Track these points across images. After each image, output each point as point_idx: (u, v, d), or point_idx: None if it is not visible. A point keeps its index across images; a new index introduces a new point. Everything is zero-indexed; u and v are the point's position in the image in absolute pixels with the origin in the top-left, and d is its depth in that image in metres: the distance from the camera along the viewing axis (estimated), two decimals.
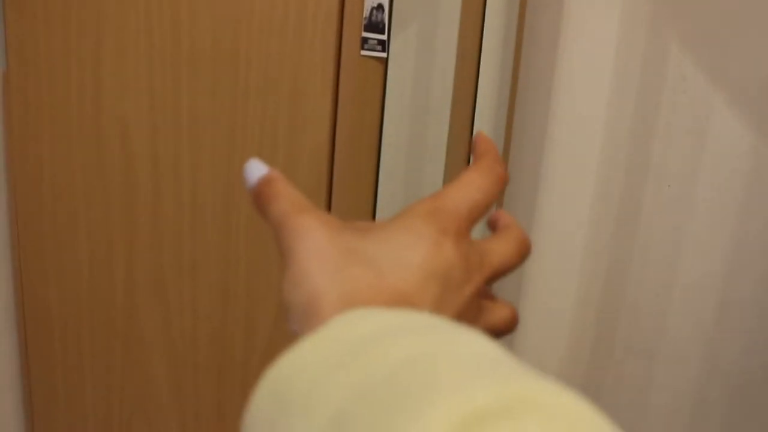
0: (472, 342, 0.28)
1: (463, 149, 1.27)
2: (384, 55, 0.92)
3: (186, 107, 0.97)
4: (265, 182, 0.38)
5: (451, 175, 1.24)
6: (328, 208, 0.93)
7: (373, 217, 1.00)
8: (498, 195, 0.41)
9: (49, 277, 1.13)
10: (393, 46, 0.95)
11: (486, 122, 1.38)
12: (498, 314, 0.38)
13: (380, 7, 0.89)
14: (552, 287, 1.72)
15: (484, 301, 0.38)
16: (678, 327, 1.62)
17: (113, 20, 0.98)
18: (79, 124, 1.04)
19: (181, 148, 0.99)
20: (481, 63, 1.28)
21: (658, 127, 1.54)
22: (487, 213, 0.41)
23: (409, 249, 0.34)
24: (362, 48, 0.88)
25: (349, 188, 0.93)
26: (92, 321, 1.12)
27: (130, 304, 1.08)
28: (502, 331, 0.38)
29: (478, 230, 0.42)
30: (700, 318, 1.63)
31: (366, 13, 0.87)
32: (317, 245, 0.33)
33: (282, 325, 1.00)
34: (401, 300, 0.32)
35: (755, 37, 1.49)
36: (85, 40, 1.00)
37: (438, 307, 0.33)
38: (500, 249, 0.39)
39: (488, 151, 0.40)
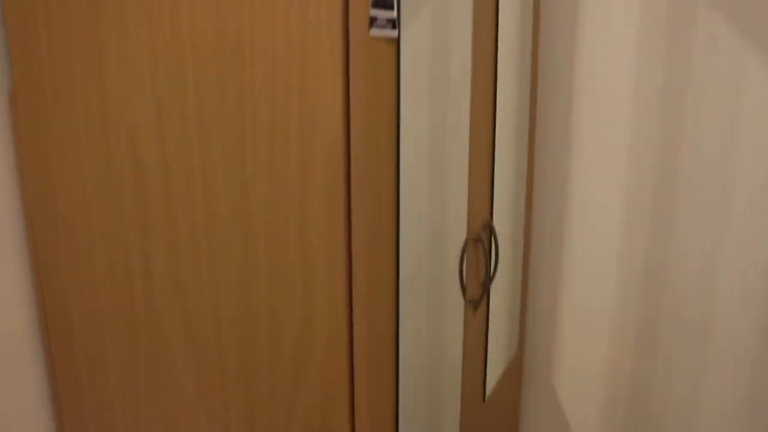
0: None
1: (487, 129, 1.21)
2: (395, 34, 0.86)
3: (192, 108, 0.92)
4: None
5: (476, 157, 1.17)
6: (348, 201, 0.88)
7: (397, 209, 0.94)
8: None
9: (69, 289, 1.10)
10: (405, 25, 0.89)
11: (509, 99, 1.31)
12: None
13: None
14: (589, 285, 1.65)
15: None
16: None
17: (114, 28, 0.94)
18: (87, 135, 1.00)
19: (190, 150, 0.94)
20: (499, 35, 1.21)
21: (689, 93, 1.46)
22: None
23: None
24: (371, 27, 0.82)
25: (368, 179, 0.87)
26: (114, 331, 1.08)
27: (150, 312, 1.04)
28: None
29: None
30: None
31: None
32: None
33: (307, 325, 0.95)
34: None
35: None
36: (88, 51, 0.96)
37: None
38: None
39: None
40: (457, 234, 1.16)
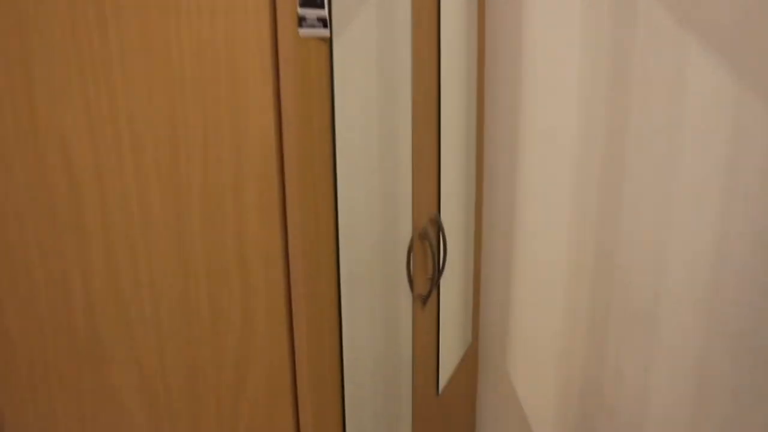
0: None
1: (432, 125, 1.20)
2: (326, 33, 0.84)
3: (123, 115, 0.90)
4: None
5: (419, 154, 1.16)
6: (282, 203, 0.86)
7: (335, 209, 0.93)
8: None
9: (7, 305, 1.07)
10: (344, 22, 0.87)
11: (454, 93, 1.31)
12: None
13: None
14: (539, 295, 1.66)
15: None
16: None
17: (40, 38, 0.91)
18: (18, 145, 0.97)
19: (123, 154, 0.92)
20: (442, 28, 1.20)
21: (633, 85, 1.47)
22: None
23: None
24: (300, 26, 0.80)
25: (302, 179, 0.86)
26: (56, 347, 1.06)
27: (91, 326, 1.02)
28: None
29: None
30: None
31: None
32: None
33: (248, 328, 0.93)
34: None
35: None
36: (14, 62, 0.93)
37: None
38: None
39: None
40: (404, 230, 1.15)
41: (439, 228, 1.27)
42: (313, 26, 0.82)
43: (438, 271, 1.27)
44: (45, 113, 0.94)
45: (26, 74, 0.94)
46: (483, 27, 1.50)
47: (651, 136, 1.48)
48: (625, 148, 1.51)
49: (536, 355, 1.70)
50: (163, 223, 0.93)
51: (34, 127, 0.96)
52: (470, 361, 1.64)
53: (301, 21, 0.80)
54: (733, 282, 1.50)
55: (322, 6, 0.82)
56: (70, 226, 0.98)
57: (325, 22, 0.83)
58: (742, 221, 1.47)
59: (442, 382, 1.41)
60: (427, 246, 1.23)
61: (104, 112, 0.91)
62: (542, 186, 1.59)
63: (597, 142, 1.52)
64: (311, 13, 0.81)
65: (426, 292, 1.25)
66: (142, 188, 0.92)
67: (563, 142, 1.55)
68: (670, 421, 1.60)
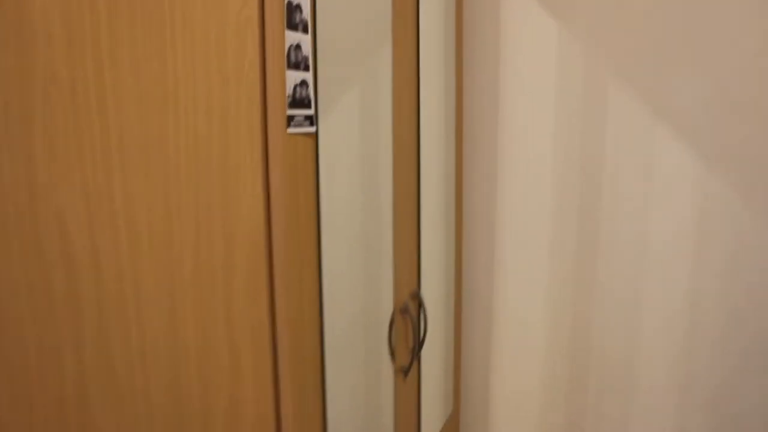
0: None
1: (412, 205, 1.27)
2: (313, 129, 0.92)
3: (120, 196, 0.96)
4: None
5: (401, 233, 1.23)
6: (271, 286, 0.92)
7: (320, 292, 0.99)
8: None
9: None
10: (323, 120, 0.94)
11: (434, 173, 1.38)
12: None
13: (304, 83, 0.88)
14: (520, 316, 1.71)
15: None
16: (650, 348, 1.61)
17: (42, 118, 0.97)
18: (16, 218, 1.03)
19: (119, 237, 0.98)
20: (422, 111, 1.28)
21: (607, 162, 1.55)
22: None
23: None
24: (289, 125, 0.87)
25: (290, 263, 0.91)
26: (46, 420, 1.09)
27: (81, 398, 1.06)
28: None
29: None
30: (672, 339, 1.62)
31: (289, 90, 0.86)
32: None
33: (236, 405, 0.98)
34: None
35: (687, 65, 1.51)
36: (16, 135, 0.99)
37: None
38: None
39: None
40: (386, 305, 1.20)
41: (419, 302, 1.32)
42: (300, 125, 0.89)
43: (418, 343, 1.32)
44: (44, 193, 1.00)
45: (29, 156, 1.00)
46: (461, 107, 1.58)
47: (623, 215, 1.56)
48: (599, 225, 1.58)
49: (517, 421, 1.73)
50: (155, 301, 0.98)
51: (33, 206, 1.01)
52: (451, 428, 1.67)
53: (290, 120, 0.87)
54: (706, 348, 1.55)
55: (309, 106, 0.90)
56: (64, 300, 1.03)
57: (311, 120, 0.91)
58: (713, 293, 1.53)
59: None
60: (408, 319, 1.28)
61: (102, 195, 0.97)
62: (519, 260, 1.65)
63: (571, 220, 1.59)
64: (299, 112, 0.88)
65: (407, 364, 1.29)
66: (137, 267, 0.97)
67: (539, 219, 1.62)
68: None
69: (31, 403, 1.09)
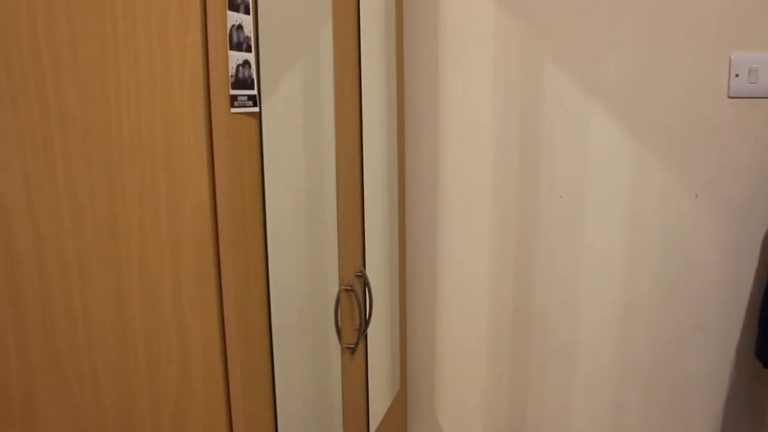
0: None
1: (355, 185, 1.29)
2: (256, 109, 0.93)
3: (62, 181, 0.95)
4: None
5: (344, 213, 1.25)
6: (217, 264, 0.93)
7: (266, 269, 1.00)
8: None
9: None
10: (266, 100, 0.96)
11: (377, 153, 1.40)
12: None
13: (246, 63, 0.89)
14: (465, 307, 1.75)
15: None
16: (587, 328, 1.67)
17: None
18: None
19: (62, 221, 0.97)
20: (363, 87, 1.30)
21: (544, 140, 1.60)
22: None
23: None
24: (232, 105, 0.88)
25: (235, 242, 0.93)
26: None
27: (26, 386, 1.05)
28: None
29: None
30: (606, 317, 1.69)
31: (232, 71, 0.87)
32: None
33: (185, 385, 0.98)
34: None
35: (618, 47, 1.57)
36: None
37: None
38: None
39: None
40: (331, 285, 1.22)
41: (364, 280, 1.35)
42: (243, 105, 0.90)
43: (365, 322, 1.35)
44: None
45: None
46: (402, 85, 1.61)
47: (559, 187, 1.61)
48: (537, 198, 1.63)
49: (463, 400, 1.78)
50: (102, 289, 0.97)
51: None
52: (399, 407, 1.71)
53: (233, 100, 0.88)
54: (643, 321, 1.62)
55: (252, 86, 0.91)
56: (6, 291, 1.02)
57: (254, 101, 0.92)
58: (648, 269, 1.60)
59: (372, 429, 1.47)
60: (354, 298, 1.30)
61: (43, 180, 0.96)
62: (462, 236, 1.70)
63: (511, 192, 1.64)
64: (242, 92, 0.89)
65: (354, 343, 1.32)
66: (81, 252, 0.97)
67: (481, 195, 1.66)
68: None
69: None
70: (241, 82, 0.89)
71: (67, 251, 0.98)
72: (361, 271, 1.34)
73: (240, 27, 0.88)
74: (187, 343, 0.96)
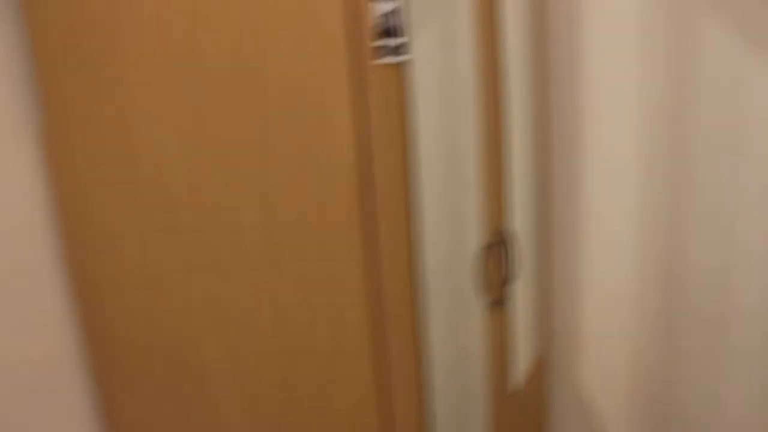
0: None
1: (498, 138, 1.26)
2: (403, 59, 0.91)
3: (217, 138, 0.98)
4: None
5: (488, 174, 1.22)
6: (368, 222, 0.93)
7: (413, 229, 1.00)
8: None
9: (109, 315, 1.17)
10: (413, 49, 0.94)
11: (519, 107, 1.36)
12: None
13: (394, 11, 0.88)
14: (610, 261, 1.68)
15: None
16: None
17: (137, 66, 1.00)
18: (115, 167, 1.06)
19: (216, 176, 1.00)
20: (505, 44, 1.26)
21: (694, 95, 1.48)
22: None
23: None
24: (378, 56, 0.87)
25: (387, 199, 0.93)
26: (153, 348, 1.15)
27: (190, 331, 1.11)
28: None
29: None
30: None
31: (378, 20, 0.86)
32: None
33: (336, 333, 1.00)
34: None
35: None
36: (111, 86, 1.02)
37: None
38: None
39: None
40: (475, 239, 1.21)
41: (508, 236, 1.32)
42: (389, 54, 0.89)
43: (508, 278, 1.32)
44: (141, 140, 1.03)
45: (124, 100, 1.03)
46: (544, 40, 1.54)
47: (713, 146, 1.49)
48: (688, 157, 1.52)
49: (607, 360, 1.72)
50: (253, 240, 1.01)
51: (130, 153, 1.04)
52: (541, 365, 1.68)
53: (379, 50, 0.87)
54: None
55: (399, 35, 0.89)
56: (166, 243, 1.07)
57: (401, 50, 0.90)
58: None
59: (514, 385, 1.45)
60: (498, 254, 1.28)
61: (198, 137, 1.00)
62: (607, 196, 1.62)
63: (659, 150, 1.54)
64: (388, 42, 0.88)
65: (496, 299, 1.30)
66: (234, 202, 1.00)
67: (625, 152, 1.57)
68: (743, 427, 1.60)
69: (145, 335, 1.16)
70: (388, 31, 0.87)
71: (221, 203, 1.01)
72: (504, 226, 1.31)
73: None
74: (339, 298, 0.98)
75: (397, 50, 0.90)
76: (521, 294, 1.45)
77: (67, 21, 1.02)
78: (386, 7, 0.87)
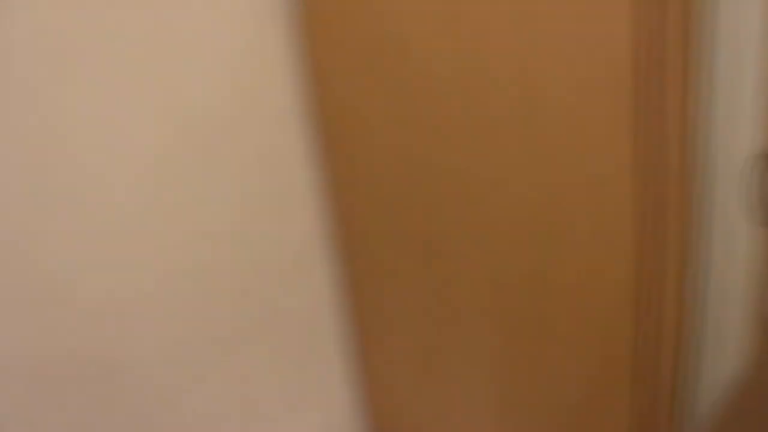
0: None
1: None
2: None
3: (480, 33, 0.95)
4: None
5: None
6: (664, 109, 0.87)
7: (691, 135, 0.92)
8: None
9: (359, 207, 1.18)
10: None
11: None
12: None
13: None
14: None
15: None
16: None
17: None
18: (375, 52, 1.04)
19: (481, 83, 0.97)
20: None
21: None
22: None
23: None
24: None
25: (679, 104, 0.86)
26: (410, 254, 1.15)
27: (440, 233, 1.10)
28: None
29: None
30: None
31: None
32: None
33: (598, 248, 0.95)
34: None
35: None
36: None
37: None
38: None
39: None
40: (744, 151, 1.10)
41: None
42: None
43: None
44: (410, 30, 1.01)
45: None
46: None
47: None
48: None
49: None
50: (512, 120, 0.96)
51: (400, 40, 1.01)
52: None
53: None
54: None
55: None
56: (428, 121, 1.04)
57: None
58: None
59: None
60: None
61: (457, 24, 0.97)
62: None
63: None
64: None
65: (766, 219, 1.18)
66: (495, 83, 0.97)
67: None
68: None
69: (391, 231, 1.17)
70: None
71: (483, 92, 0.98)
72: None
73: None
74: (602, 186, 0.92)
75: None
76: None
77: None
78: None
